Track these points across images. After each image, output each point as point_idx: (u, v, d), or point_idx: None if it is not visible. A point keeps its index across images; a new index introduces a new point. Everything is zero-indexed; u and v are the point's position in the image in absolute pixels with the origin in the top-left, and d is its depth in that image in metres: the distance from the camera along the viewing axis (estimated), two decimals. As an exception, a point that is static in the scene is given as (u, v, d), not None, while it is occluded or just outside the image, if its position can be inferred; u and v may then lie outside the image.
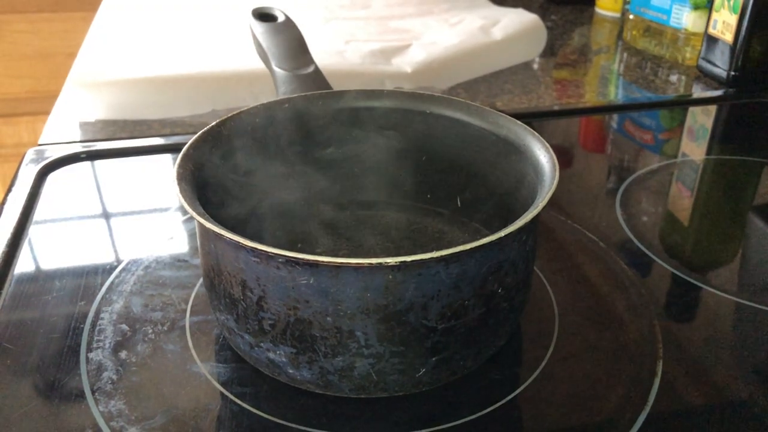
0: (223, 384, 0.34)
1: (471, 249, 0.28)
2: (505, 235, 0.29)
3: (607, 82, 0.78)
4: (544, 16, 0.95)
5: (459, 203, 0.45)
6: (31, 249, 0.45)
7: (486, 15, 0.81)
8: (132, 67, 0.64)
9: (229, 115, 0.39)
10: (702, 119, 0.69)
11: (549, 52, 0.85)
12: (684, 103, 0.71)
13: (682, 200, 0.54)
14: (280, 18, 0.53)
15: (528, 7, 0.90)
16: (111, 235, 0.47)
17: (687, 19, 0.78)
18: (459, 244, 0.28)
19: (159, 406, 0.33)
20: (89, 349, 0.36)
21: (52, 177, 0.54)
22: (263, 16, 0.53)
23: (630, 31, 0.88)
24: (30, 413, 0.32)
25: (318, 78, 0.47)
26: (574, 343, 0.37)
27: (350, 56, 0.68)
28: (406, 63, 0.68)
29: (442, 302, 0.30)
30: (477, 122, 0.41)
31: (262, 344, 0.32)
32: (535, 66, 0.81)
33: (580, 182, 0.56)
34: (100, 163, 0.57)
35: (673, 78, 0.78)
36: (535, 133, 0.38)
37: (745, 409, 0.33)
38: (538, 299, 0.40)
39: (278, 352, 0.31)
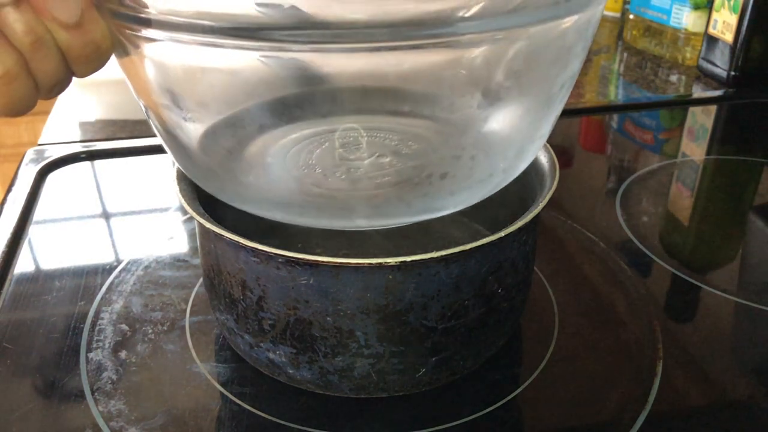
0: (223, 384, 0.34)
1: (471, 249, 0.28)
2: (505, 235, 0.29)
3: (607, 82, 0.78)
4: (544, 16, 0.95)
5: (459, 203, 0.45)
6: (31, 249, 0.45)
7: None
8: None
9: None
10: (702, 119, 0.69)
11: (549, 52, 0.85)
12: (684, 103, 0.71)
13: (682, 200, 0.54)
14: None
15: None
16: (111, 235, 0.47)
17: (687, 19, 0.78)
18: (459, 244, 0.28)
19: (159, 406, 0.33)
20: (89, 349, 0.36)
21: (52, 177, 0.54)
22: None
23: (630, 31, 0.88)
24: (30, 413, 0.32)
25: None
26: (574, 343, 0.37)
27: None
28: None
29: (442, 302, 0.30)
30: (477, 122, 0.41)
31: (261, 344, 0.32)
32: (535, 66, 0.81)
33: (580, 182, 0.56)
34: (99, 163, 0.57)
35: (673, 78, 0.78)
36: (535, 133, 0.38)
37: (745, 409, 0.33)
38: (538, 299, 0.40)
39: (278, 352, 0.31)
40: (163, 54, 0.26)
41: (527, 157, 0.31)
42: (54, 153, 0.56)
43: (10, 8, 0.22)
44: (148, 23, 0.24)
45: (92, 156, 0.57)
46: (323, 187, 0.32)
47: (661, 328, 0.38)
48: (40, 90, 0.24)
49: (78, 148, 0.57)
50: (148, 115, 0.30)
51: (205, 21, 0.23)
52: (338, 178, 0.32)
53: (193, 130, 0.30)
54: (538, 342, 0.37)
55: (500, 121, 0.30)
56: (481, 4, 0.23)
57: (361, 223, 0.27)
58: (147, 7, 0.24)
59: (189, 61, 0.25)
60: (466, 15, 0.23)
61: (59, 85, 0.25)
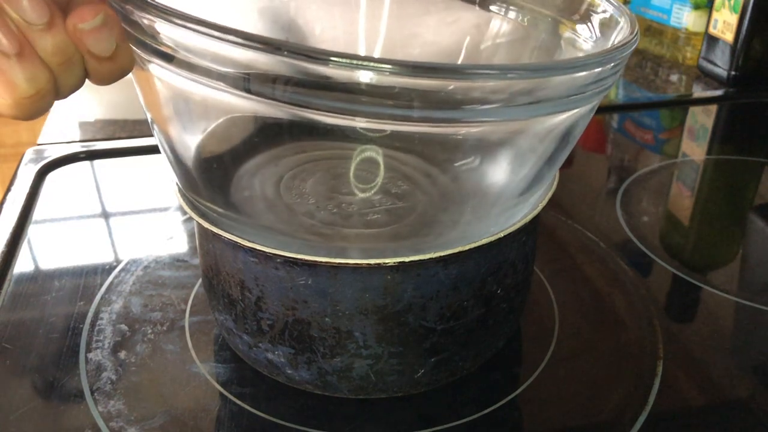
0: (222, 384, 0.34)
1: (470, 249, 0.28)
2: (504, 236, 0.29)
3: (607, 82, 0.77)
4: (544, 16, 0.95)
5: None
6: (30, 249, 0.45)
7: (482, 14, 0.81)
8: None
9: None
10: (702, 119, 0.69)
11: (549, 51, 0.85)
12: (684, 102, 0.71)
13: (683, 200, 0.54)
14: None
15: (528, 7, 0.90)
16: (110, 235, 0.47)
17: (687, 19, 0.78)
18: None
19: (158, 406, 0.33)
20: (88, 350, 0.36)
21: (51, 177, 0.54)
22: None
23: (630, 31, 0.88)
24: (29, 413, 0.32)
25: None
26: (574, 343, 0.37)
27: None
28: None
29: (440, 303, 0.30)
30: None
31: (260, 344, 0.32)
32: (536, 65, 0.80)
33: (580, 182, 0.56)
34: (99, 163, 0.57)
35: (674, 78, 0.78)
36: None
37: (745, 409, 0.33)
38: (538, 299, 0.40)
39: (277, 353, 0.31)
40: (176, 82, 0.26)
41: (517, 218, 0.31)
42: (53, 153, 0.56)
43: (42, 30, 0.22)
44: (170, 59, 0.24)
45: (92, 156, 0.57)
46: (315, 219, 0.32)
47: (661, 328, 0.38)
48: (58, 97, 0.25)
49: (77, 147, 0.57)
50: (153, 130, 0.31)
51: (222, 68, 0.23)
52: (330, 211, 0.32)
53: (193, 145, 0.30)
54: (538, 342, 0.37)
55: (495, 187, 0.31)
56: (497, 96, 0.24)
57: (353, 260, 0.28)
58: (171, 45, 0.24)
59: (201, 92, 0.26)
60: (481, 105, 0.23)
61: (75, 91, 0.25)
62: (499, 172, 0.30)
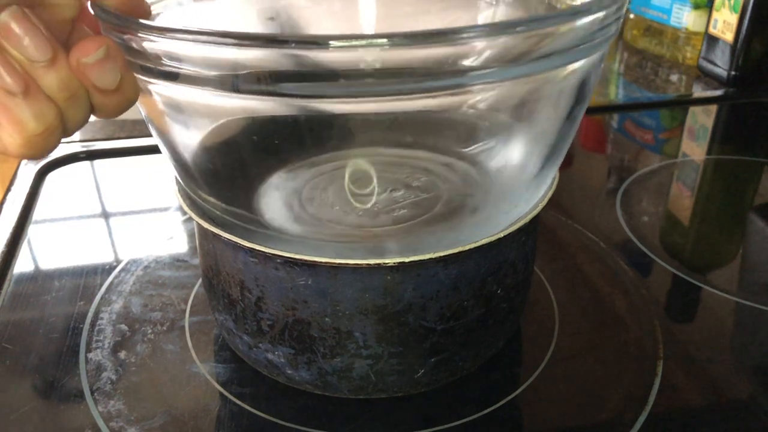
0: (222, 384, 0.34)
1: (470, 249, 0.28)
2: (504, 236, 0.29)
3: (607, 82, 0.78)
4: (544, 16, 0.94)
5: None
6: (30, 249, 0.45)
7: (478, 4, 0.81)
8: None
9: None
10: (702, 119, 0.69)
11: (549, 51, 0.85)
12: (684, 102, 0.71)
13: (683, 200, 0.54)
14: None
15: (528, 7, 0.90)
16: (110, 235, 0.47)
17: (687, 19, 0.78)
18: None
19: (158, 406, 0.33)
20: (88, 350, 0.36)
21: (51, 177, 0.54)
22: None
23: (630, 31, 0.88)
24: (29, 413, 0.32)
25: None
26: (574, 343, 0.37)
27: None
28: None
29: (440, 303, 0.30)
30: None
31: (260, 345, 0.32)
32: (536, 65, 0.80)
33: (580, 182, 0.56)
34: (99, 163, 0.57)
35: (674, 77, 0.78)
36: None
37: (745, 409, 0.33)
38: (538, 299, 0.40)
39: (277, 353, 0.31)
40: (183, 98, 0.27)
41: (546, 184, 0.31)
42: (53, 153, 0.56)
43: (46, 67, 0.23)
44: (174, 77, 0.25)
45: (91, 156, 0.57)
46: (344, 224, 0.32)
47: (662, 328, 0.38)
48: (65, 133, 0.25)
49: (77, 147, 0.57)
50: (166, 157, 0.31)
51: (215, 71, 0.23)
52: (356, 214, 0.33)
53: (210, 166, 0.30)
54: (538, 342, 0.37)
55: (518, 154, 0.31)
56: (496, 57, 0.23)
57: (392, 256, 0.28)
58: (173, 63, 0.24)
59: (202, 101, 0.26)
60: (479, 67, 0.23)
61: (81, 126, 0.26)
62: (519, 141, 0.30)
